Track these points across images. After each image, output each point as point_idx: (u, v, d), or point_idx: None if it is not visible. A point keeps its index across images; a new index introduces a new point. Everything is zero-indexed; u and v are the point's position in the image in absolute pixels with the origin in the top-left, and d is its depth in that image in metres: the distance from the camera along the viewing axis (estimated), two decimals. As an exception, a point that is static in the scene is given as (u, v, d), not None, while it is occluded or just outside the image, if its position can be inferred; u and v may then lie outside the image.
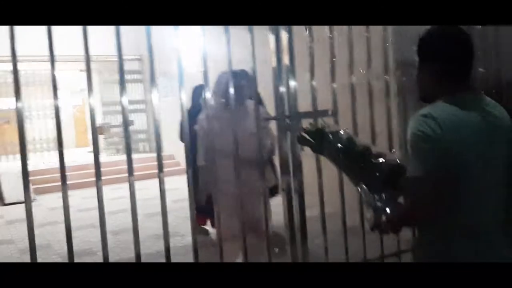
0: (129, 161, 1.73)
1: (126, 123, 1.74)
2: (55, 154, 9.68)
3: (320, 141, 1.72)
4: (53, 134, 10.99)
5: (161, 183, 1.85)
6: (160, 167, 1.84)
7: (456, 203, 1.38)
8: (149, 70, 1.83)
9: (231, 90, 2.51)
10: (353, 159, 1.63)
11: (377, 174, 1.57)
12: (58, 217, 6.50)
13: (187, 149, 1.95)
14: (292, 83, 2.20)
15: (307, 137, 1.76)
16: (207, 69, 2.06)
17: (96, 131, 1.68)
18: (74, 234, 5.85)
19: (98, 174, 1.70)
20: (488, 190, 1.41)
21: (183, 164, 10.17)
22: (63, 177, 1.60)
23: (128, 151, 1.76)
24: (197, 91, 4.42)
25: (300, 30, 2.34)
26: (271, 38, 2.18)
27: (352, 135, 1.73)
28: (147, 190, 7.75)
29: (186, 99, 2.16)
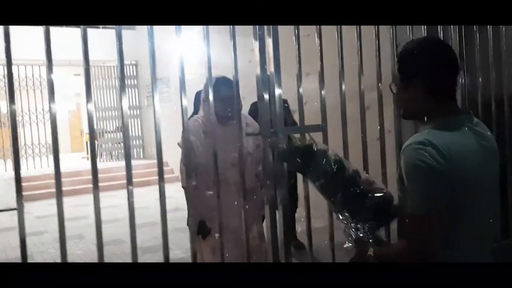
0: (94, 170, 1.59)
1: (92, 131, 1.60)
2: (47, 160, 9.44)
3: (307, 160, 1.58)
4: (45, 139, 10.90)
5: (130, 196, 1.70)
6: (130, 180, 1.69)
7: (460, 231, 1.32)
8: (120, 74, 1.68)
9: (223, 99, 2.30)
10: (341, 184, 1.51)
11: (367, 202, 1.46)
12: (45, 226, 6.41)
13: (159, 160, 1.80)
14: (278, 93, 1.97)
15: (293, 154, 1.62)
16: (183, 74, 1.92)
17: (57, 140, 1.53)
18: (57, 245, 5.63)
19: (58, 187, 1.55)
20: (487, 211, 1.37)
21: (176, 172, 10.07)
22: (19, 190, 1.46)
23: (93, 158, 1.61)
24: (200, 97, 4.25)
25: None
26: (256, 44, 2.00)
27: (341, 157, 1.60)
28: (139, 198, 7.60)
29: (187, 105, 1.97)
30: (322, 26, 2.20)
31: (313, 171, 1.57)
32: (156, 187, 1.86)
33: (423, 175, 1.26)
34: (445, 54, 1.39)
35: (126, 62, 11.47)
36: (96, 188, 1.57)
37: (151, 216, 5.73)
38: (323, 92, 2.22)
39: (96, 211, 1.61)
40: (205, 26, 1.91)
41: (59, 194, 1.50)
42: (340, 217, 1.50)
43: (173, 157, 9.58)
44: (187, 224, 2.56)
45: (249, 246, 2.10)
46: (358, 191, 1.48)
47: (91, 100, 1.56)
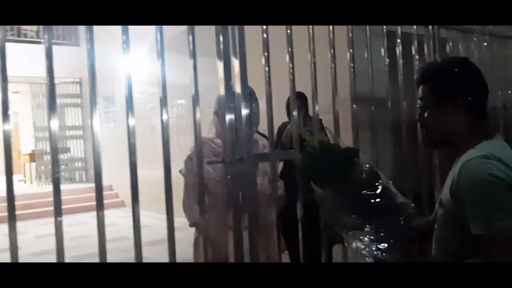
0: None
1: (7, 148, 1.40)
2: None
3: (346, 172, 1.30)
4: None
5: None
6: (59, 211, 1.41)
7: None
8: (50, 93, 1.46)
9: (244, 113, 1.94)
10: (375, 197, 1.30)
11: (403, 218, 1.30)
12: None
13: (98, 186, 1.56)
14: (244, 113, 1.72)
15: (315, 161, 1.34)
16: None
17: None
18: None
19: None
20: None
21: (122, 196, 9.60)
22: None
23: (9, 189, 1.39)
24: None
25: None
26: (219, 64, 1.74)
27: (373, 165, 1.39)
28: (83, 225, 7.07)
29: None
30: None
31: (348, 184, 1.31)
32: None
33: (498, 191, 1.14)
34: (480, 72, 1.35)
35: (69, 79, 11.05)
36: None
37: (93, 246, 5.24)
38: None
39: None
40: (158, 43, 1.75)
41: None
42: (360, 236, 1.31)
43: (118, 181, 9.18)
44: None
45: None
46: (394, 206, 1.31)
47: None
